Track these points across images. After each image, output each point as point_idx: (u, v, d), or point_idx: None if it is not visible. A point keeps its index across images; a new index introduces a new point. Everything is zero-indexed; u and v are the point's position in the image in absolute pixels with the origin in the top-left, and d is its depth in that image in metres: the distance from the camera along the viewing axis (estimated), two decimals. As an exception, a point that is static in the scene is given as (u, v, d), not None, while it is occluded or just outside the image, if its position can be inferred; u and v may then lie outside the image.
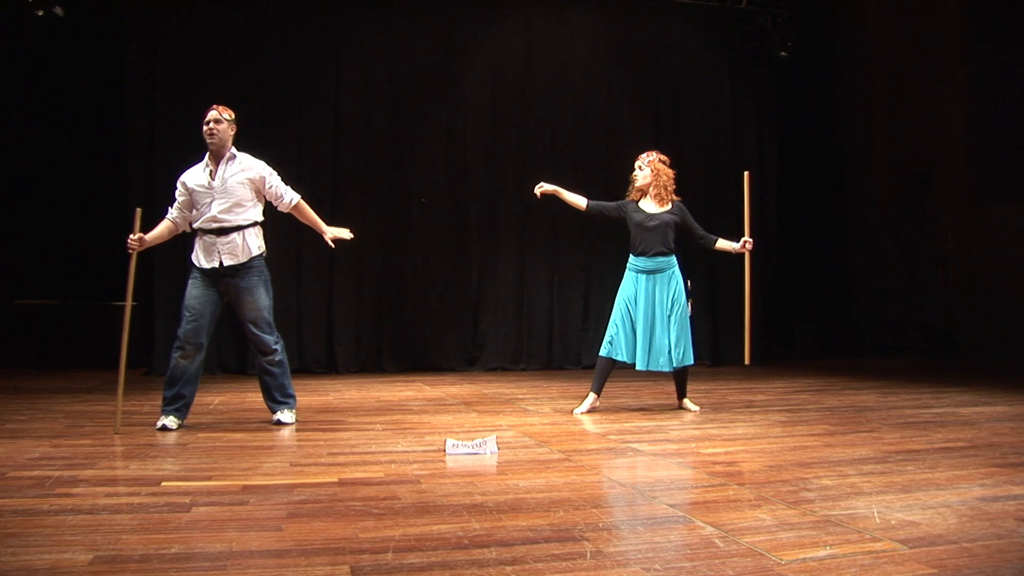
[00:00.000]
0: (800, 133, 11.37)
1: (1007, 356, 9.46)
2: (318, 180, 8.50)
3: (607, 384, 5.26)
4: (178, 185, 4.56)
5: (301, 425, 4.58)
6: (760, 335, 9.77)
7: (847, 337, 11.55)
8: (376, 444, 3.96)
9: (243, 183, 4.50)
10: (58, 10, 7.98)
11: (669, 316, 5.05)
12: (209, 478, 3.12)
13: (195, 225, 4.53)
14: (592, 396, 5.18)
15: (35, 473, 3.17)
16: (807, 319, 11.12)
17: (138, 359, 8.27)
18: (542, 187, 5.26)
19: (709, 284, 9.53)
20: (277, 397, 4.63)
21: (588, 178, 8.86)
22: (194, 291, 4.47)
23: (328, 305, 8.47)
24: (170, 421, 4.35)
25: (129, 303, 4.47)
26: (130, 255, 4.49)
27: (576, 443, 4.00)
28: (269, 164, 4.69)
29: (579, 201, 5.29)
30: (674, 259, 5.15)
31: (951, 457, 3.51)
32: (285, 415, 4.61)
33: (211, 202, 4.47)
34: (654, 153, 5.25)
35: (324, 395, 6.27)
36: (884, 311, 11.67)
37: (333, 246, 4.77)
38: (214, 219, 4.47)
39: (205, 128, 4.48)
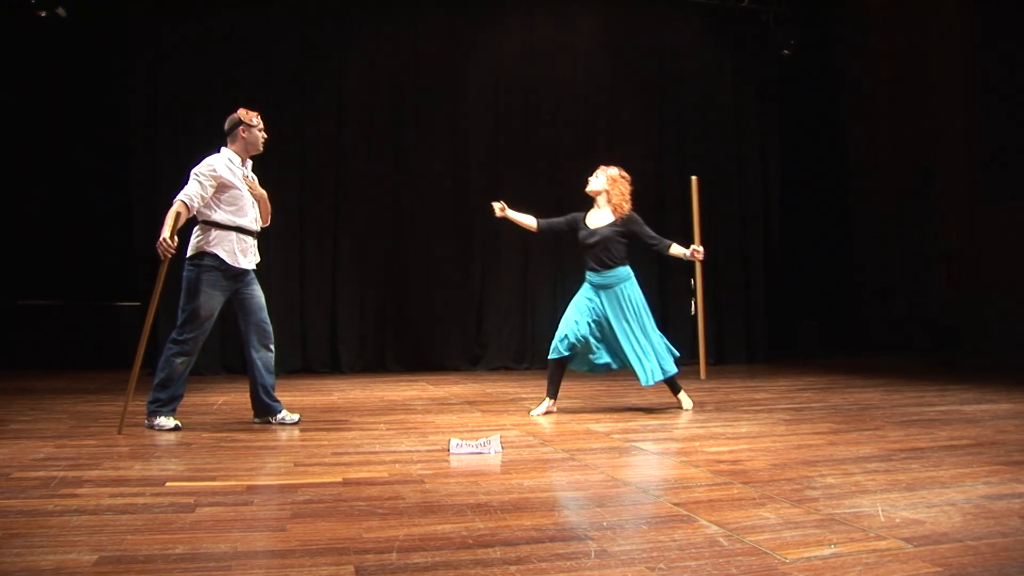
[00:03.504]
0: (803, 131, 11.37)
1: (1011, 353, 9.44)
2: (321, 180, 8.51)
3: (612, 383, 5.25)
4: (206, 173, 4.31)
5: (305, 425, 4.58)
6: (763, 333, 9.79)
7: (851, 335, 11.54)
8: (380, 444, 3.96)
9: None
10: (61, 11, 7.99)
11: (634, 328, 4.94)
12: (213, 478, 3.12)
13: (237, 223, 4.41)
14: (548, 401, 5.10)
15: (40, 474, 3.18)
16: (811, 317, 11.11)
17: (143, 360, 8.29)
18: (501, 206, 5.21)
19: (713, 282, 9.53)
20: (274, 395, 4.63)
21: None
22: (216, 298, 4.38)
23: (332, 305, 8.48)
24: (173, 422, 4.36)
25: (154, 308, 4.36)
26: (163, 260, 4.19)
27: (580, 442, 4.00)
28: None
29: (530, 222, 5.23)
30: (623, 271, 5.02)
31: (955, 455, 3.50)
32: (287, 414, 4.62)
33: (250, 203, 4.49)
34: (615, 168, 5.14)
35: (328, 395, 6.28)
36: (888, 309, 11.66)
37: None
38: (256, 219, 4.55)
39: (261, 133, 4.54)
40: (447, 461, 3.48)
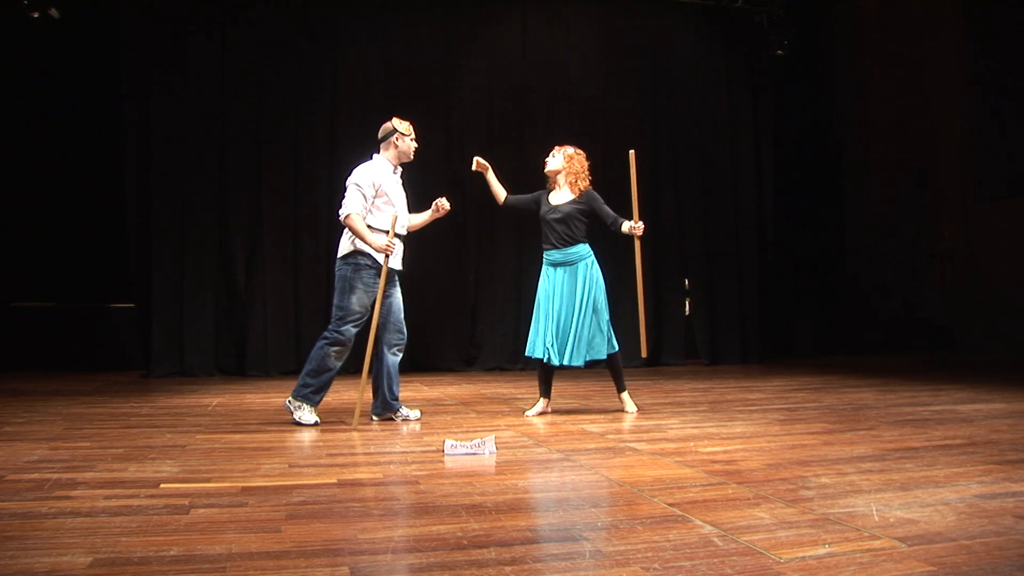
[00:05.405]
0: (797, 131, 11.40)
1: (1005, 353, 9.47)
2: (315, 180, 8.49)
3: (607, 383, 5.25)
4: (366, 182, 4.52)
5: (299, 426, 4.58)
6: (758, 333, 9.81)
7: (845, 334, 11.57)
8: (375, 445, 3.96)
9: None
10: (54, 12, 7.97)
11: (583, 308, 4.94)
12: (208, 480, 3.11)
13: (387, 227, 4.54)
14: (542, 401, 5.14)
15: (34, 476, 3.17)
16: (805, 317, 11.14)
17: (136, 361, 8.26)
18: (479, 161, 5.25)
19: (708, 284, 9.54)
20: (397, 395, 4.81)
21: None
22: (371, 295, 4.53)
23: (325, 306, 8.44)
24: (315, 417, 4.51)
25: (376, 319, 4.52)
26: (386, 258, 4.50)
27: (574, 443, 4.00)
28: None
29: (500, 193, 5.31)
30: (583, 248, 5.05)
31: (949, 455, 3.51)
32: (408, 411, 4.88)
33: (402, 208, 4.65)
34: (570, 147, 5.19)
35: (323, 396, 6.26)
36: (882, 308, 11.69)
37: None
38: (404, 225, 4.71)
39: (413, 143, 4.71)
40: (442, 462, 3.48)
